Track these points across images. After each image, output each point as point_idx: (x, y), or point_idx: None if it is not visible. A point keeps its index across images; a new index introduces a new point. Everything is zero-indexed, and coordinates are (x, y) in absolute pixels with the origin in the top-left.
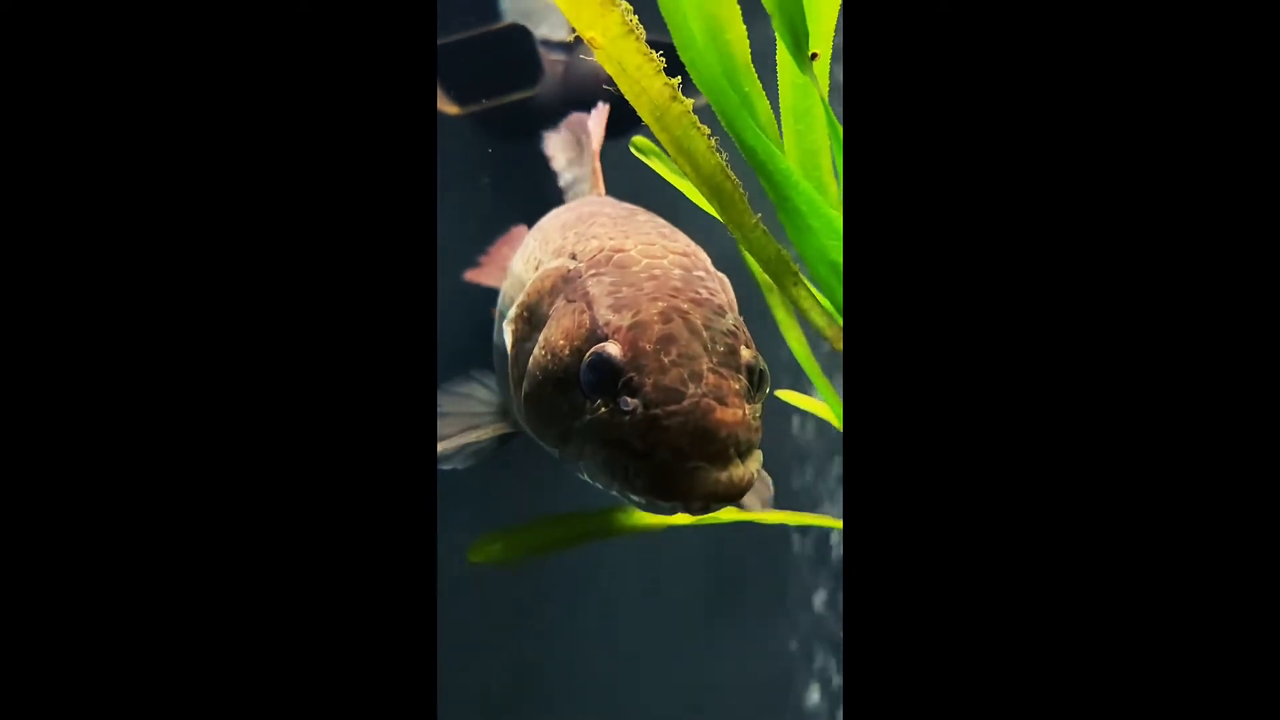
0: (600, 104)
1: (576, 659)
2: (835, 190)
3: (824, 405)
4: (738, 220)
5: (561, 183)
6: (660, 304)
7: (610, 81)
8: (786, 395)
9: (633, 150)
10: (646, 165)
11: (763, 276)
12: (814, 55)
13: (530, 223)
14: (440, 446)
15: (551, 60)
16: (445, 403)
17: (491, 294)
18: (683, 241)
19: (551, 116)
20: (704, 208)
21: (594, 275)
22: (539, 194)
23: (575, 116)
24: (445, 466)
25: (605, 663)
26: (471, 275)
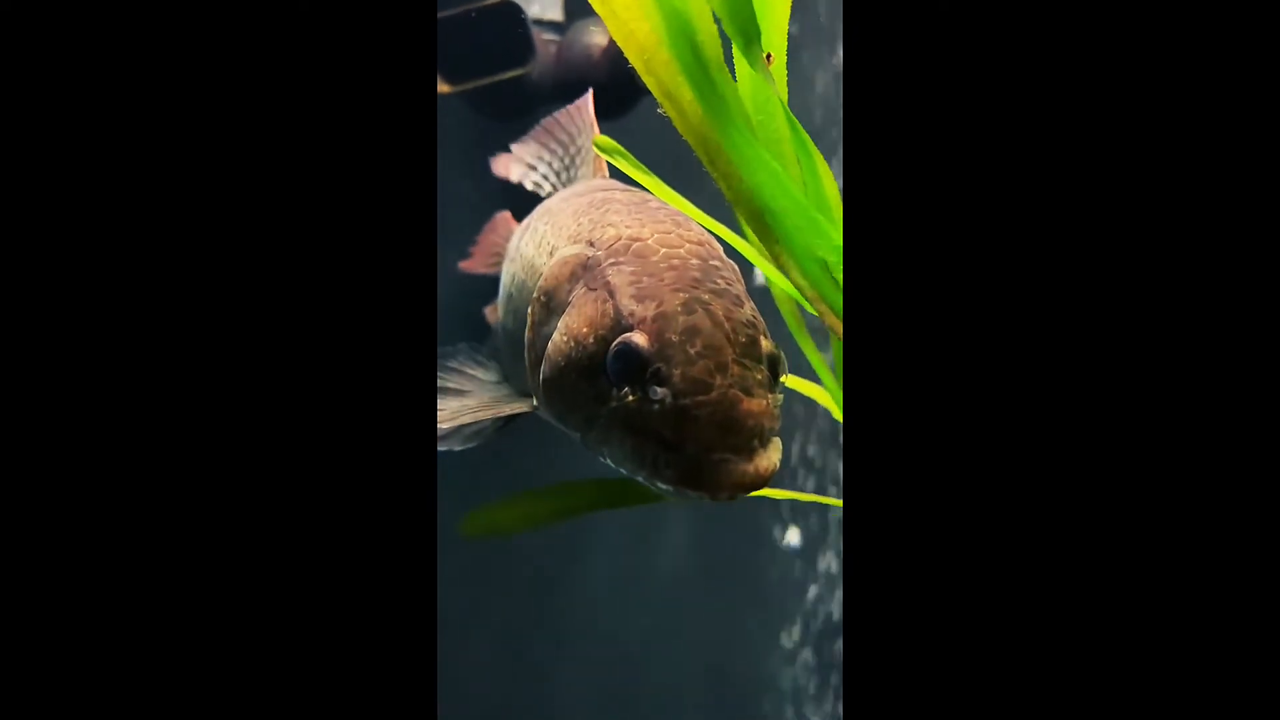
0: (589, 90)
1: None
2: (797, 174)
3: (823, 391)
4: (725, 171)
5: (531, 184)
6: (682, 295)
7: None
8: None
9: (595, 149)
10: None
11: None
12: (769, 56)
13: (513, 209)
14: (441, 425)
15: (544, 40)
16: (440, 379)
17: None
18: (697, 230)
19: (544, 96)
20: (670, 200)
21: (614, 264)
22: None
23: (566, 109)
24: (441, 447)
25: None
26: (466, 265)
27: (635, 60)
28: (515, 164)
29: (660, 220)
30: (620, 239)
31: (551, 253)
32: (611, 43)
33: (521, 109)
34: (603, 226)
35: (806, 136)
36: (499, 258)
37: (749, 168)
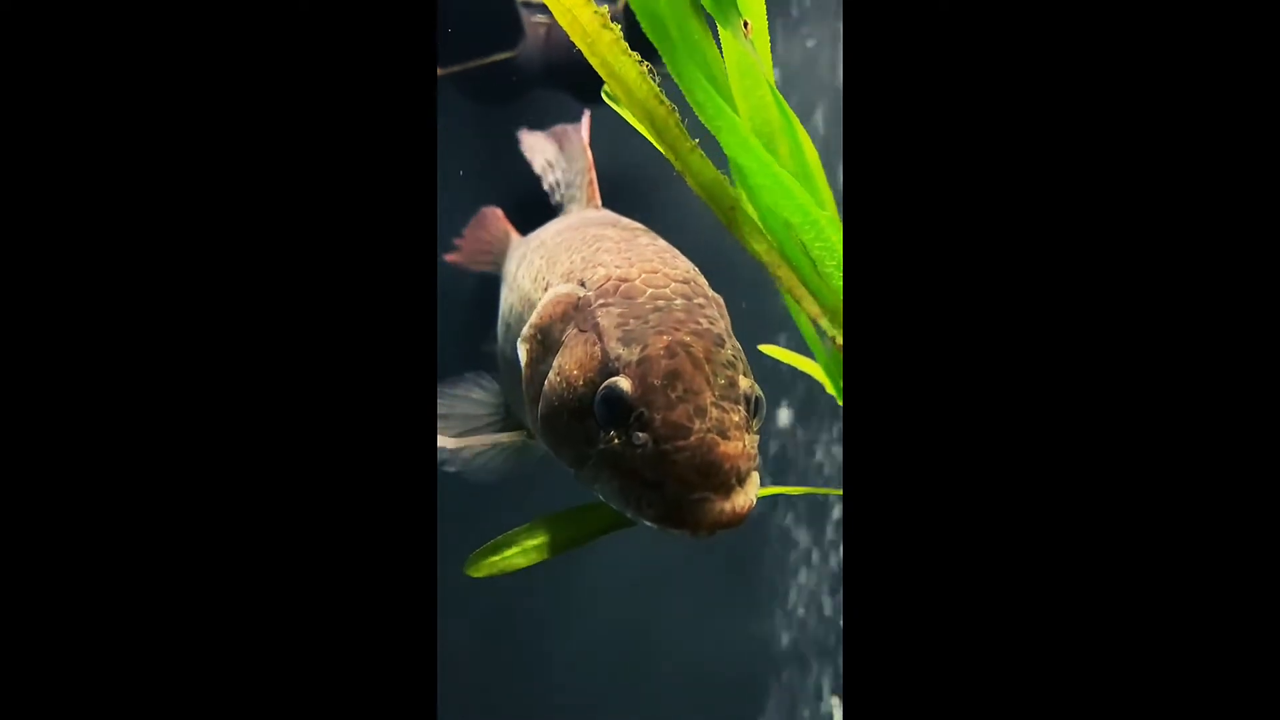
0: (586, 112)
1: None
2: (785, 144)
3: (813, 363)
4: (673, 145)
5: (545, 185)
6: (665, 338)
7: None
8: (772, 350)
9: (604, 97)
10: None
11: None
12: (746, 24)
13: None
14: (447, 446)
15: (533, 23)
16: (444, 404)
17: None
18: (682, 267)
19: (533, 80)
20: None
21: (603, 305)
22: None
23: (560, 128)
24: (449, 469)
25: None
26: (452, 258)
27: (580, 43)
28: (537, 154)
29: (648, 259)
30: (609, 279)
31: (547, 288)
32: None
33: (510, 92)
34: (593, 266)
35: (790, 110)
36: (486, 254)
37: (712, 124)
